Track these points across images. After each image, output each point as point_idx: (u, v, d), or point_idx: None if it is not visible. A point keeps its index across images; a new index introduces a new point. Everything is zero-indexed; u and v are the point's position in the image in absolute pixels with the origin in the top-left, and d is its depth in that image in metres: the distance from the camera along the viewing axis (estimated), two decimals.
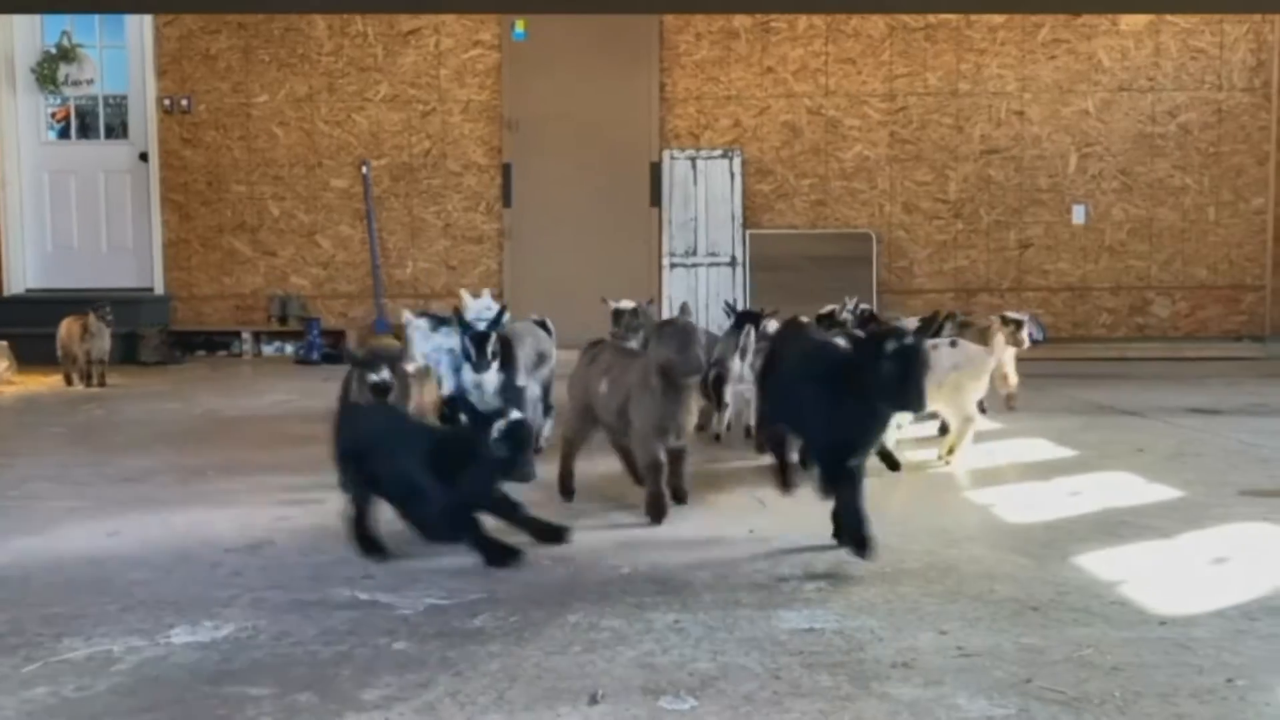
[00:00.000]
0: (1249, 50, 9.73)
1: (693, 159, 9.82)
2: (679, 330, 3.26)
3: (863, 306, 5.55)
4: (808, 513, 3.43)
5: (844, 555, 2.91)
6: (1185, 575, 2.71)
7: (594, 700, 1.94)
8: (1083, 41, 9.75)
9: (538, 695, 1.97)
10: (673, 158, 9.80)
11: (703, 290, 9.93)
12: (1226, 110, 9.79)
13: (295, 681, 2.05)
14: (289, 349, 9.52)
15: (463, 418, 2.78)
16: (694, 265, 9.91)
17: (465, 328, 3.99)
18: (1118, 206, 9.83)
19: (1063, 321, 9.93)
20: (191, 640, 2.29)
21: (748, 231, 9.86)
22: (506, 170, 9.75)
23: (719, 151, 9.82)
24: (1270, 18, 9.66)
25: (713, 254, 9.89)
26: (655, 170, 9.80)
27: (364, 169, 9.75)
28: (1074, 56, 9.76)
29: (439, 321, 4.81)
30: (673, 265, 9.88)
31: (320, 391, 7.02)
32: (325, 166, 9.84)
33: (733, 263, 9.91)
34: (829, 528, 2.94)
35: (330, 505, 3.35)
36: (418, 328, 4.71)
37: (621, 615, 2.43)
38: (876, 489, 3.96)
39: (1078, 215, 9.87)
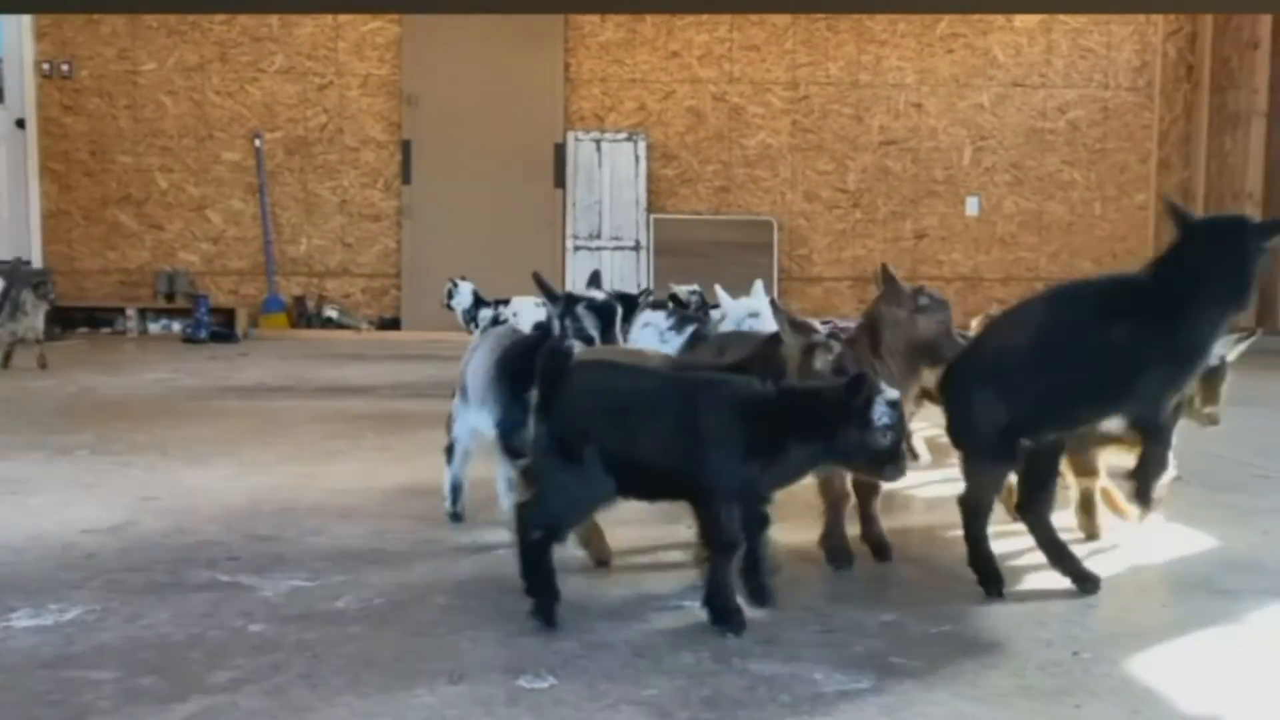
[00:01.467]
0: (1134, 51, 10.09)
1: (597, 141, 9.78)
2: (938, 302, 2.53)
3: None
4: None
5: None
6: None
7: (452, 681, 1.91)
8: (979, 37, 9.99)
9: (395, 677, 1.93)
10: (577, 139, 9.75)
11: (606, 274, 9.89)
12: (1112, 108, 10.15)
13: (140, 665, 1.97)
14: (176, 327, 9.22)
15: None
16: (598, 248, 9.89)
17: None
18: (1009, 199, 10.12)
19: (955, 311, 10.16)
20: (33, 624, 2.18)
21: (652, 216, 9.87)
22: (406, 147, 9.58)
23: (624, 134, 9.80)
24: (1154, 20, 10.03)
25: (616, 238, 9.89)
26: (559, 151, 9.74)
27: (257, 142, 9.47)
28: (970, 51, 9.99)
29: (684, 320, 3.70)
30: (576, 248, 9.84)
31: (206, 370, 6.81)
32: (216, 138, 9.53)
33: (637, 247, 9.92)
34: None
35: (199, 485, 3.25)
36: (652, 325, 3.64)
37: (490, 596, 2.39)
38: None
39: (971, 207, 10.13)
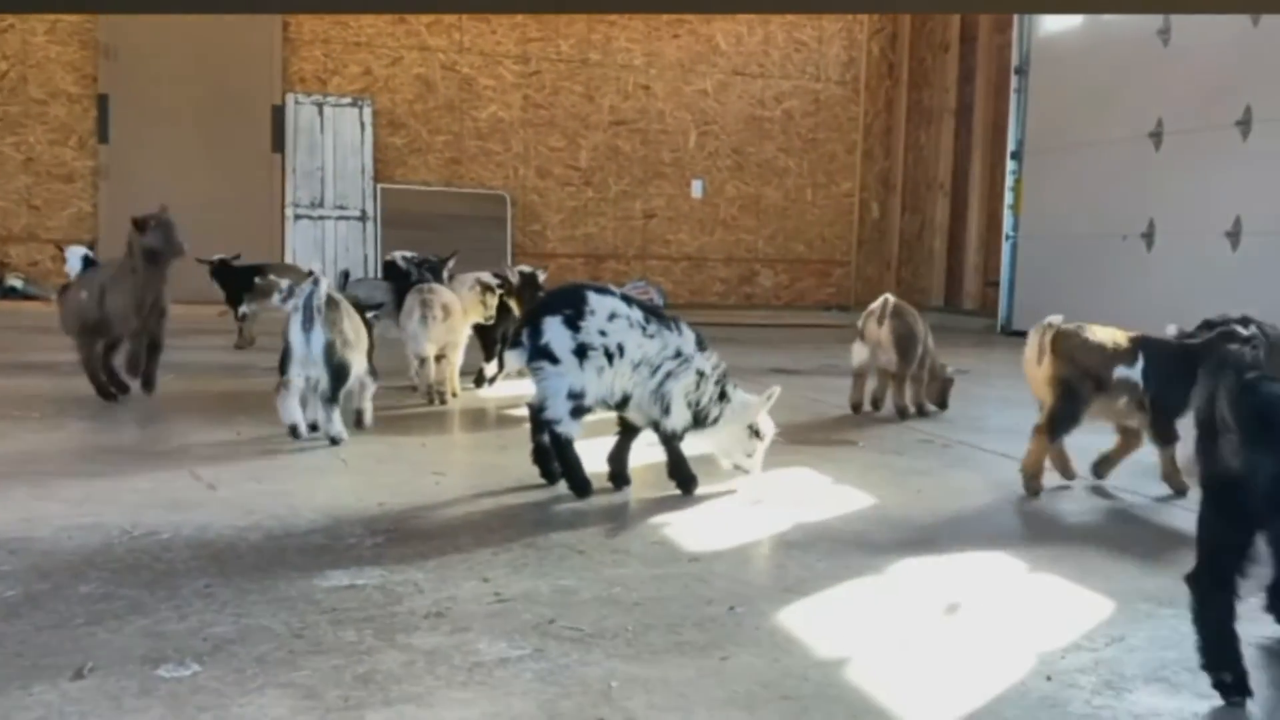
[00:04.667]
0: (842, 47, 10.77)
1: (320, 105, 9.36)
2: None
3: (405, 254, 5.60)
4: (381, 471, 3.38)
5: (414, 511, 2.88)
6: (724, 516, 2.93)
7: (79, 675, 1.76)
8: (703, 24, 10.33)
9: (11, 675, 1.75)
10: (297, 102, 9.28)
11: (330, 245, 9.53)
12: (823, 100, 10.80)
13: None
14: None
15: None
16: (320, 218, 9.48)
17: None
18: (731, 183, 10.57)
19: (682, 289, 10.55)
20: None
21: (379, 185, 9.57)
22: (103, 101, 8.78)
23: (348, 100, 9.44)
24: (860, 18, 10.75)
25: (341, 207, 9.52)
26: (278, 114, 9.24)
27: None
28: (695, 37, 10.33)
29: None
30: (297, 216, 9.39)
31: None
32: None
33: (363, 217, 9.59)
34: (405, 485, 2.87)
35: None
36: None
37: (145, 583, 2.23)
38: (458, 441, 3.97)
39: (696, 190, 10.50)
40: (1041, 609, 2.26)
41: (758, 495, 3.18)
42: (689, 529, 2.76)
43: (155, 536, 2.56)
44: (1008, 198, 9.75)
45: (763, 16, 10.38)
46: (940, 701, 1.77)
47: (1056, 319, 3.22)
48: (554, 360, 2.94)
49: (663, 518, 2.88)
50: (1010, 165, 9.73)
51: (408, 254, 5.50)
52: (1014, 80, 9.68)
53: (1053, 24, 9.39)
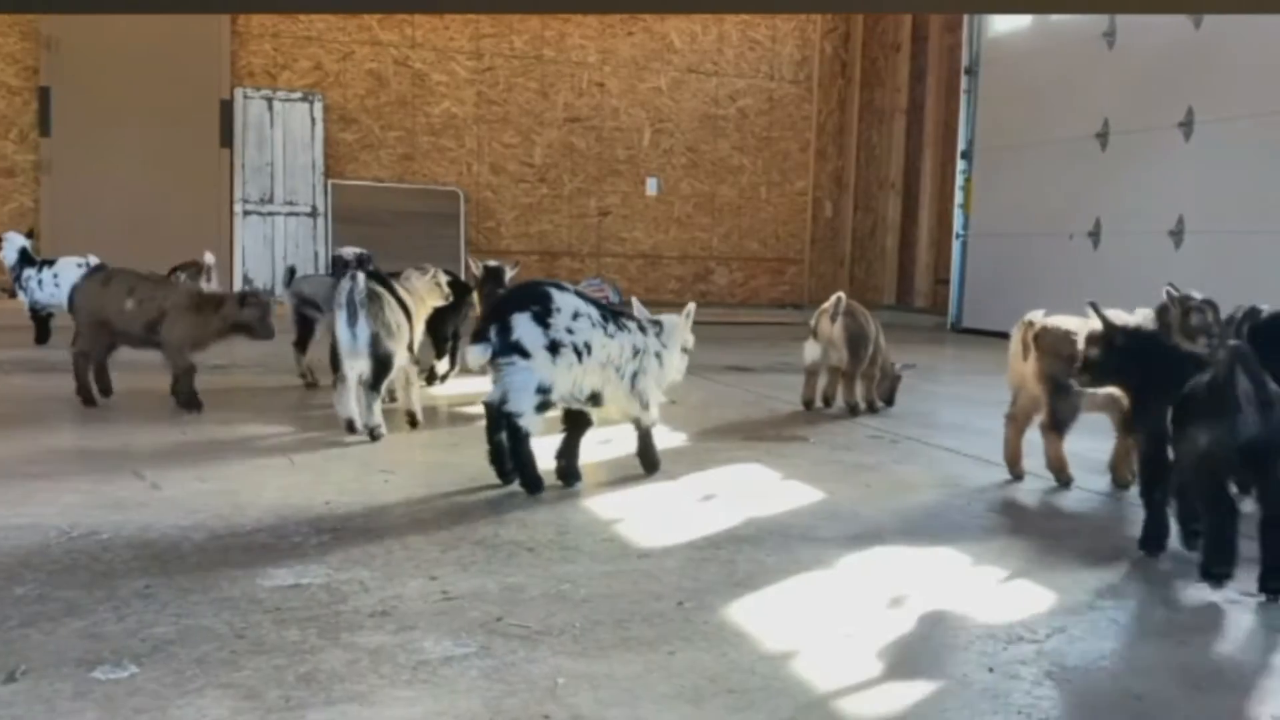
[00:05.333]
0: (795, 46, 10.84)
1: (269, 99, 9.23)
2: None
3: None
4: (329, 469, 3.34)
5: (361, 509, 2.85)
6: (675, 512, 2.93)
7: (11, 678, 1.72)
8: (657, 21, 10.34)
9: None
10: (246, 96, 9.15)
11: (280, 241, 9.40)
12: (777, 99, 10.86)
13: None
14: None
15: None
16: (270, 214, 9.36)
17: None
18: (685, 181, 10.59)
19: (637, 287, 10.55)
20: None
21: (330, 181, 9.47)
22: (44, 94, 8.59)
23: (299, 94, 9.32)
24: (814, 17, 10.82)
25: (291, 203, 9.40)
26: (226, 108, 9.10)
27: None
28: (649, 35, 10.33)
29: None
30: (246, 213, 9.26)
31: None
32: None
33: (313, 213, 9.48)
34: (354, 484, 2.84)
35: None
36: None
37: (83, 585, 2.18)
38: (408, 439, 3.94)
39: (651, 187, 10.51)
40: (985, 601, 2.28)
41: (709, 491, 3.19)
42: (639, 525, 2.76)
43: (95, 537, 2.51)
44: (958, 197, 9.86)
45: (717, 15, 10.41)
46: (884, 693, 1.79)
47: (1038, 315, 3.26)
48: (525, 355, 2.92)
49: (613, 514, 2.87)
50: (960, 164, 9.84)
51: (354, 250, 5.46)
52: (964, 80, 9.79)
53: (1002, 25, 9.51)
